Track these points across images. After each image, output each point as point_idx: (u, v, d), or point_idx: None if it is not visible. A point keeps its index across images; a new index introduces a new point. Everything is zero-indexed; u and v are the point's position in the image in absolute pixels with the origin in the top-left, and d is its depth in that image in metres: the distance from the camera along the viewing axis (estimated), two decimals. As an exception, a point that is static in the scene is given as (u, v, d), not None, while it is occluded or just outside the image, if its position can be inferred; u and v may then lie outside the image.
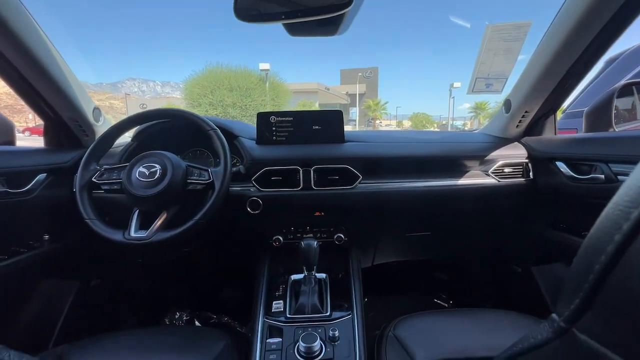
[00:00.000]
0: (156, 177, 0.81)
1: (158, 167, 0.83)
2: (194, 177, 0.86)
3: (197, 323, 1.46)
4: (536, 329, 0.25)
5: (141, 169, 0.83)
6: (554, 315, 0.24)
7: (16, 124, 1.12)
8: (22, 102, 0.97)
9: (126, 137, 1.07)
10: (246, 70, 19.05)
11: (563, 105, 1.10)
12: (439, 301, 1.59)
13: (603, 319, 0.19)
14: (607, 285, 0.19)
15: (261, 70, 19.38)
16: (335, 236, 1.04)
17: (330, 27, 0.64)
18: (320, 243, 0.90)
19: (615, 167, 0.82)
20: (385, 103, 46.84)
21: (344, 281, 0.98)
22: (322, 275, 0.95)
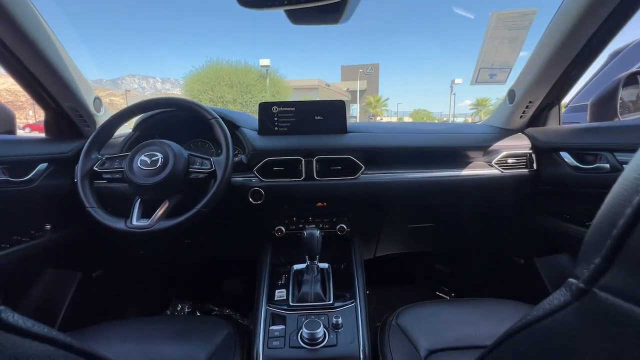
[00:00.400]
0: (158, 165, 0.81)
1: (160, 155, 0.82)
2: (196, 166, 0.85)
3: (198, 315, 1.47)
4: (552, 296, 0.25)
5: (143, 157, 0.82)
6: (570, 279, 0.23)
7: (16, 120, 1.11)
8: (22, 99, 0.97)
9: (127, 128, 1.07)
10: (246, 67, 18.98)
11: (565, 99, 1.09)
12: (440, 294, 1.59)
13: (625, 274, 0.19)
14: (631, 239, 0.18)
15: (261, 66, 19.29)
16: (338, 227, 1.03)
17: (333, 14, 0.63)
18: (323, 233, 0.90)
19: (621, 156, 0.82)
20: (386, 100, 46.75)
21: (346, 271, 0.98)
22: (325, 265, 0.95)
